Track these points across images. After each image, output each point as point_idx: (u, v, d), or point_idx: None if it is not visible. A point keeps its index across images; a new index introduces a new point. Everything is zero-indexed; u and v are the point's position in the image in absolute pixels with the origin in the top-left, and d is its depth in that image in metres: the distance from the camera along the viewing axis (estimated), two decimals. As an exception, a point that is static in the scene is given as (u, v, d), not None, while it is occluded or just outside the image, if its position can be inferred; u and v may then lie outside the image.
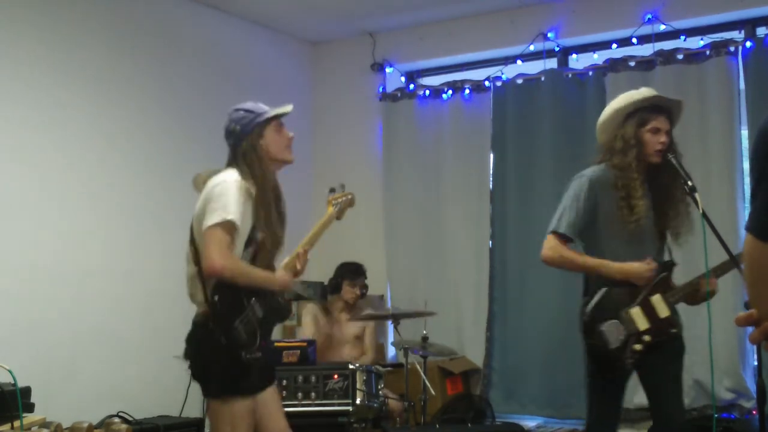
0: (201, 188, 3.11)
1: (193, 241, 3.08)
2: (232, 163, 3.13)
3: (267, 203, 3.06)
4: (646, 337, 3.26)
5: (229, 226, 2.91)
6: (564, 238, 3.36)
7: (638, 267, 3.27)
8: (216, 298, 2.95)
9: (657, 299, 3.30)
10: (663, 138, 3.32)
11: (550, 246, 3.37)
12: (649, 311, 3.29)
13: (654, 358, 3.29)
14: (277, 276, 3.11)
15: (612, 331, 3.27)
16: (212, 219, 2.91)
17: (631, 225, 3.28)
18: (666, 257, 3.42)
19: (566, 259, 3.36)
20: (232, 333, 2.93)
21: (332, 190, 3.51)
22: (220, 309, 2.94)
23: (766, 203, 1.31)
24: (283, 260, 3.22)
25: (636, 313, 3.28)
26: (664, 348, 3.29)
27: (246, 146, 3.09)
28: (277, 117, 3.17)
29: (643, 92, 3.40)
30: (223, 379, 2.96)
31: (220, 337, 2.92)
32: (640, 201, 3.28)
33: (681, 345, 3.37)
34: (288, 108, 3.20)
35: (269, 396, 3.15)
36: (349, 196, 3.49)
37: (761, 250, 1.31)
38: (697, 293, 3.33)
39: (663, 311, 3.29)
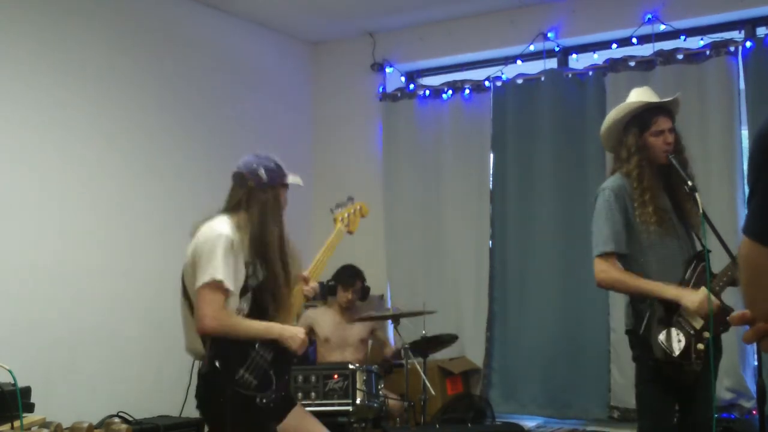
0: (193, 234, 3.12)
1: (185, 293, 3.10)
2: (240, 204, 3.12)
3: (273, 254, 3.07)
4: (706, 334, 3.18)
5: (217, 285, 2.93)
6: (611, 256, 3.29)
7: (693, 297, 3.16)
8: (213, 354, 2.95)
9: (703, 292, 3.22)
10: (668, 138, 3.31)
11: (601, 269, 3.30)
12: None
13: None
14: (282, 329, 3.07)
15: (671, 338, 3.20)
16: (202, 279, 2.94)
17: (651, 228, 3.25)
18: (698, 247, 3.35)
19: (621, 283, 3.29)
20: (239, 383, 2.93)
21: (337, 207, 3.51)
22: (221, 364, 2.95)
23: (762, 206, 1.31)
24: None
25: (688, 313, 3.21)
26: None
27: (269, 198, 3.12)
28: (291, 184, 3.23)
29: (640, 98, 3.39)
30: (238, 427, 2.95)
31: (225, 389, 2.92)
32: (649, 206, 3.25)
33: (719, 349, 3.30)
34: (300, 182, 3.26)
35: (295, 413, 3.17)
36: (358, 206, 3.52)
37: (757, 252, 1.31)
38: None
39: (713, 303, 3.19)
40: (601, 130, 3.48)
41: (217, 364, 2.93)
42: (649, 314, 3.24)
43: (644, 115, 3.34)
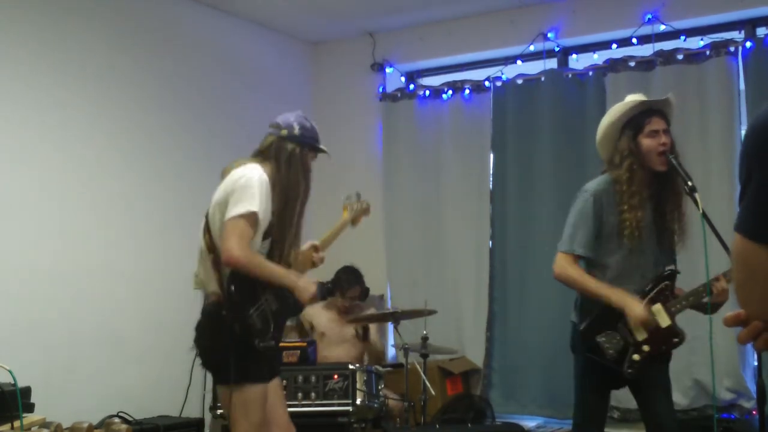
0: (224, 177, 3.16)
1: (208, 230, 3.12)
2: (268, 152, 3.16)
3: (286, 203, 3.11)
4: (645, 347, 3.24)
5: (252, 219, 2.96)
6: (572, 256, 3.36)
7: (637, 309, 3.22)
8: (232, 287, 2.98)
9: (657, 309, 3.27)
10: (663, 139, 3.29)
11: (560, 264, 3.38)
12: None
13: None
14: (296, 279, 3.13)
15: (609, 342, 3.26)
16: (236, 210, 2.96)
17: (624, 237, 3.28)
18: (670, 266, 3.38)
19: (574, 281, 3.37)
20: (247, 321, 2.97)
21: (348, 197, 3.55)
22: (236, 298, 2.98)
23: (754, 203, 1.29)
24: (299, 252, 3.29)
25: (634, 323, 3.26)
26: (656, 361, 3.28)
27: (296, 150, 3.16)
28: (322, 151, 3.30)
29: (631, 100, 3.39)
30: (237, 366, 2.99)
31: (233, 325, 2.96)
32: (630, 213, 3.26)
33: (666, 377, 3.37)
34: (328, 153, 3.34)
35: (273, 387, 3.20)
36: (365, 205, 3.57)
37: (750, 250, 1.30)
38: (701, 302, 3.29)
39: (664, 321, 3.25)
40: (596, 138, 3.47)
41: (233, 288, 2.96)
42: (596, 313, 3.30)
43: (637, 117, 3.34)
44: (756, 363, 4.13)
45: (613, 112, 3.41)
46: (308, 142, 3.22)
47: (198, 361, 3.18)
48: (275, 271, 3.06)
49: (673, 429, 3.30)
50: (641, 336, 3.25)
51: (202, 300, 3.18)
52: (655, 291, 3.30)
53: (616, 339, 3.26)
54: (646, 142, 3.30)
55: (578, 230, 3.34)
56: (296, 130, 3.18)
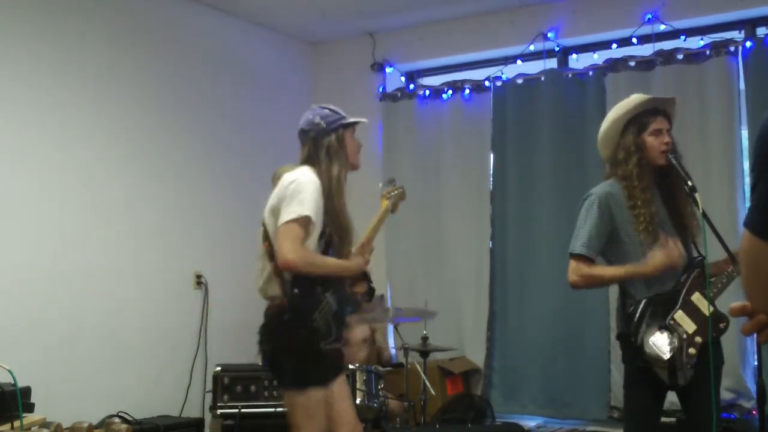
0: (276, 183, 3.22)
1: (266, 237, 3.17)
2: (311, 156, 3.22)
3: (337, 198, 3.17)
4: (698, 338, 3.18)
5: (304, 222, 3.02)
6: (583, 259, 3.32)
7: (663, 254, 3.17)
8: (296, 291, 3.05)
9: (697, 298, 3.23)
10: (666, 138, 3.30)
11: (573, 269, 3.35)
12: (693, 311, 3.23)
13: (696, 368, 3.21)
14: (351, 261, 3.22)
15: (663, 342, 3.19)
16: (288, 215, 3.02)
17: (641, 234, 3.24)
18: (695, 254, 3.34)
19: (593, 277, 3.33)
20: (313, 325, 3.03)
21: (384, 185, 3.59)
22: (301, 302, 3.05)
23: (762, 202, 1.34)
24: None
25: (680, 317, 3.21)
26: (706, 359, 3.15)
27: (332, 141, 3.23)
28: (355, 124, 3.34)
29: (636, 98, 3.38)
30: (301, 370, 3.05)
31: (300, 329, 3.03)
32: (644, 209, 3.24)
33: (721, 358, 3.28)
34: (365, 120, 3.39)
35: (338, 386, 3.23)
36: (401, 190, 3.61)
37: (757, 246, 1.34)
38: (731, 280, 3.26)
39: (706, 309, 3.21)
40: (598, 135, 3.46)
41: (296, 292, 3.03)
42: (638, 317, 3.23)
43: (641, 116, 3.33)
44: (756, 363, 4.12)
45: (618, 110, 3.40)
46: (338, 125, 3.26)
47: (261, 360, 3.22)
48: (334, 263, 3.15)
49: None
50: (691, 328, 3.20)
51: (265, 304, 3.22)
52: (690, 281, 3.26)
53: (669, 338, 3.19)
54: (649, 140, 3.29)
55: (586, 233, 3.32)
56: (321, 124, 3.23)
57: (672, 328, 3.20)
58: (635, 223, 3.26)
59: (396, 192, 3.59)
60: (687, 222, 3.33)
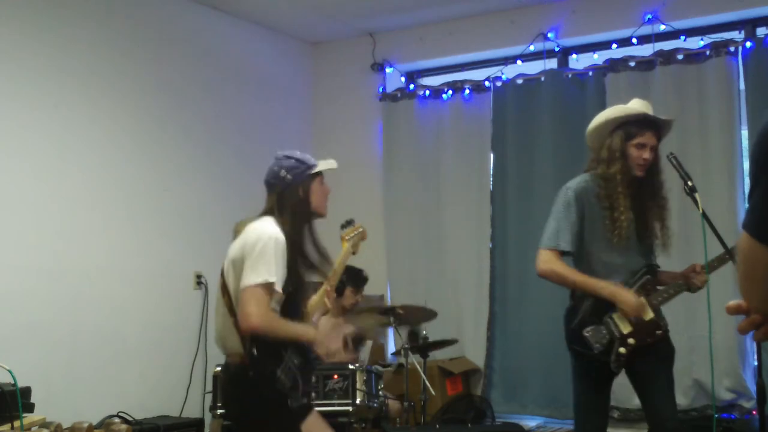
0: (238, 235, 3.11)
1: (226, 291, 3.08)
2: (273, 210, 3.11)
3: (299, 254, 3.08)
4: (631, 340, 3.31)
5: (270, 288, 2.92)
6: (554, 252, 3.41)
7: (629, 298, 3.30)
8: (254, 350, 2.96)
9: (641, 300, 3.35)
10: (646, 154, 3.35)
11: (544, 260, 3.41)
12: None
13: (644, 363, 3.34)
14: (311, 331, 3.09)
15: (595, 335, 3.33)
16: (254, 278, 2.91)
17: (615, 237, 3.33)
18: (650, 261, 3.46)
19: (559, 275, 3.41)
20: (276, 384, 2.94)
21: (343, 226, 3.50)
22: (261, 360, 2.95)
23: (760, 204, 1.37)
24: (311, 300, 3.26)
25: (619, 317, 3.33)
26: (654, 352, 3.34)
27: (296, 197, 3.10)
28: (322, 171, 3.20)
29: (635, 107, 3.41)
30: (273, 426, 2.98)
31: (263, 392, 2.95)
32: (623, 215, 3.32)
33: (670, 348, 3.42)
34: (334, 165, 3.23)
35: (313, 421, 3.17)
36: (361, 230, 3.50)
37: (754, 247, 1.37)
38: (690, 288, 3.39)
39: (647, 314, 3.33)
40: (590, 125, 3.51)
41: (254, 351, 2.95)
42: (584, 309, 3.37)
43: (632, 125, 3.37)
44: (756, 363, 4.13)
45: (614, 111, 3.43)
46: (306, 176, 3.13)
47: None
48: (294, 330, 3.02)
49: (674, 426, 3.32)
50: (626, 329, 3.31)
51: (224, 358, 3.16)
52: (638, 285, 3.37)
53: (602, 333, 3.33)
54: (631, 151, 3.35)
55: (561, 226, 3.39)
56: (288, 177, 3.10)
57: (608, 325, 3.32)
58: (610, 225, 3.33)
59: (356, 233, 3.48)
60: (651, 231, 3.42)
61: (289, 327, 3.01)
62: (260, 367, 2.95)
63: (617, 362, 3.31)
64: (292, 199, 3.10)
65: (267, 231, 3.00)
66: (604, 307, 3.33)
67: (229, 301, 3.05)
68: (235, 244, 3.08)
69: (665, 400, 3.33)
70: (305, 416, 3.11)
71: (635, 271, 3.39)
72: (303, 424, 3.04)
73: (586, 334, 3.33)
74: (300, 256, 3.09)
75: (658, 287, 3.40)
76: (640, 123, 3.37)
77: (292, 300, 3.06)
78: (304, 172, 3.13)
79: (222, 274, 3.12)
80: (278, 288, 2.95)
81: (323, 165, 3.19)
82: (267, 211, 3.13)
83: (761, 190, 1.36)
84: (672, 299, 3.42)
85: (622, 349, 3.29)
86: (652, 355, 3.33)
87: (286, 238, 3.03)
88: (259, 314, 2.88)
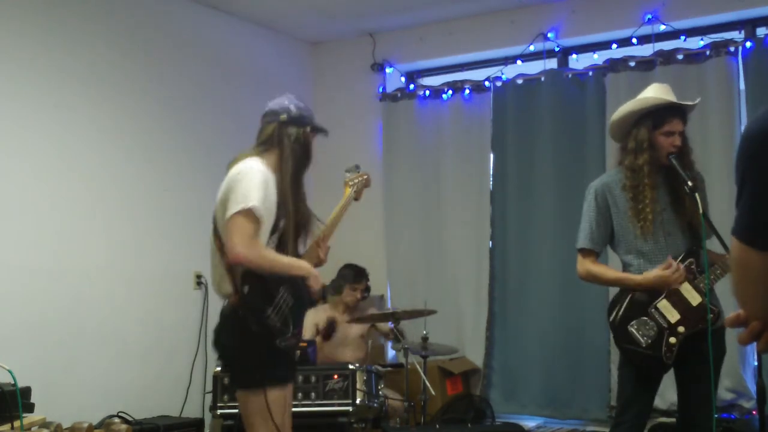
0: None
1: (216, 231, 3.06)
2: (272, 139, 3.09)
3: (293, 191, 3.06)
4: (680, 329, 3.24)
5: (250, 214, 2.89)
6: (588, 253, 3.43)
7: (658, 275, 3.25)
8: (246, 288, 2.94)
9: (686, 288, 3.28)
10: (677, 141, 3.32)
11: (579, 263, 3.47)
12: (679, 301, 3.28)
13: (693, 360, 3.26)
14: (302, 262, 3.08)
15: (641, 329, 3.26)
16: (234, 208, 2.90)
17: (638, 228, 3.30)
18: (693, 245, 3.38)
19: (594, 275, 3.44)
20: (266, 321, 2.91)
21: (348, 171, 3.50)
22: (251, 299, 2.93)
23: (748, 211, 1.36)
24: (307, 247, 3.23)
25: (664, 306, 3.28)
26: (705, 351, 3.19)
27: (299, 133, 3.10)
28: (321, 131, 3.24)
29: (658, 94, 3.38)
30: (258, 369, 2.95)
31: (252, 326, 2.91)
32: (648, 206, 3.29)
33: (722, 349, 3.31)
34: (327, 132, 3.27)
35: (279, 394, 3.11)
36: (365, 177, 3.50)
37: (746, 253, 1.36)
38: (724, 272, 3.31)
39: (694, 299, 3.26)
40: (613, 117, 3.50)
41: (246, 289, 2.92)
42: (625, 304, 3.33)
43: (660, 112, 3.34)
44: (756, 363, 4.13)
45: (639, 103, 3.39)
46: (309, 122, 3.16)
47: (218, 362, 3.13)
48: (285, 262, 3.00)
49: (707, 427, 3.27)
50: (674, 318, 3.26)
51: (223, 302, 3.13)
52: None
53: (648, 325, 3.27)
54: (661, 139, 3.32)
55: (584, 226, 3.44)
56: (295, 112, 3.12)
57: (653, 317, 3.28)
58: (635, 217, 3.32)
59: (360, 179, 3.46)
60: (690, 217, 3.35)
61: (278, 258, 2.98)
62: (251, 305, 2.92)
63: (669, 354, 3.23)
64: (294, 132, 3.09)
65: (247, 163, 2.99)
66: (647, 298, 3.29)
67: (219, 242, 3.03)
68: (221, 187, 3.06)
69: (704, 402, 3.25)
70: (291, 372, 3.08)
71: (676, 256, 3.32)
72: (270, 393, 2.97)
73: (632, 329, 3.28)
74: (295, 194, 3.05)
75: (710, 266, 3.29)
76: (665, 110, 3.34)
77: (286, 241, 3.03)
78: (309, 119, 3.16)
79: (213, 218, 3.10)
80: (261, 215, 2.90)
81: (320, 126, 3.21)
82: (262, 142, 3.10)
83: (747, 195, 1.35)
84: (718, 281, 3.32)
85: (672, 339, 3.23)
86: (702, 352, 3.21)
87: (283, 173, 3.02)
88: (242, 243, 2.86)
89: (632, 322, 3.29)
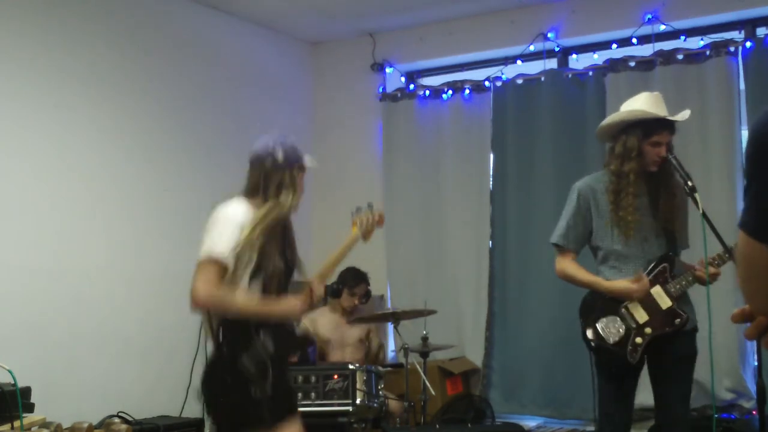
0: None
1: None
2: (257, 188, 2.99)
3: (276, 238, 2.95)
4: (648, 330, 3.31)
5: (217, 261, 2.82)
6: (564, 251, 3.50)
7: (625, 286, 3.34)
8: (220, 333, 2.86)
9: (657, 291, 3.36)
10: (663, 152, 3.37)
11: (556, 260, 3.54)
12: (650, 304, 3.35)
13: (665, 359, 3.34)
14: (283, 304, 2.94)
15: (609, 327, 3.34)
16: (201, 252, 2.86)
17: (617, 232, 3.38)
18: (668, 250, 3.45)
19: (567, 275, 3.51)
20: (238, 368, 2.80)
21: (359, 210, 3.29)
22: (225, 345, 2.85)
23: (756, 202, 1.36)
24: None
25: (634, 306, 3.35)
26: (677, 350, 3.33)
27: (285, 177, 2.98)
28: (310, 166, 3.12)
29: (650, 108, 3.39)
30: (234, 416, 2.85)
31: (224, 376, 2.83)
32: (629, 214, 3.35)
33: (693, 348, 3.40)
34: (315, 162, 3.14)
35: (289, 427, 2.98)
36: (376, 215, 3.29)
37: (752, 246, 1.36)
38: (699, 280, 3.38)
39: (664, 303, 3.34)
40: (603, 122, 3.55)
41: (221, 335, 2.85)
42: (598, 303, 3.40)
43: (651, 123, 3.37)
44: (756, 363, 4.13)
45: (631, 114, 3.42)
46: (295, 163, 3.01)
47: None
48: (251, 303, 2.85)
49: (682, 427, 3.33)
50: (642, 318, 3.33)
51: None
52: (653, 273, 3.38)
53: (617, 324, 3.34)
54: (647, 148, 3.37)
55: (562, 223, 3.52)
56: (280, 156, 2.97)
57: (623, 317, 3.35)
58: (615, 221, 3.39)
59: (368, 219, 3.25)
60: (665, 222, 3.42)
61: (251, 302, 2.85)
62: (225, 350, 2.84)
63: (633, 353, 3.30)
64: (279, 178, 2.97)
65: (222, 209, 2.94)
66: (615, 300, 3.37)
67: None
68: None
69: (680, 399, 3.34)
70: (281, 412, 2.91)
71: (651, 260, 3.41)
72: (280, 428, 2.87)
73: (600, 326, 3.35)
74: (272, 236, 2.91)
75: (678, 276, 3.39)
76: (656, 121, 3.37)
77: (271, 281, 2.90)
78: (296, 157, 3.03)
79: None
80: (226, 260, 2.81)
81: (308, 161, 3.09)
82: (246, 190, 3.01)
83: (756, 188, 1.36)
84: (689, 288, 3.41)
85: (638, 339, 3.31)
86: (673, 353, 3.34)
87: (266, 217, 2.91)
88: (203, 288, 2.79)
89: (602, 319, 3.36)
